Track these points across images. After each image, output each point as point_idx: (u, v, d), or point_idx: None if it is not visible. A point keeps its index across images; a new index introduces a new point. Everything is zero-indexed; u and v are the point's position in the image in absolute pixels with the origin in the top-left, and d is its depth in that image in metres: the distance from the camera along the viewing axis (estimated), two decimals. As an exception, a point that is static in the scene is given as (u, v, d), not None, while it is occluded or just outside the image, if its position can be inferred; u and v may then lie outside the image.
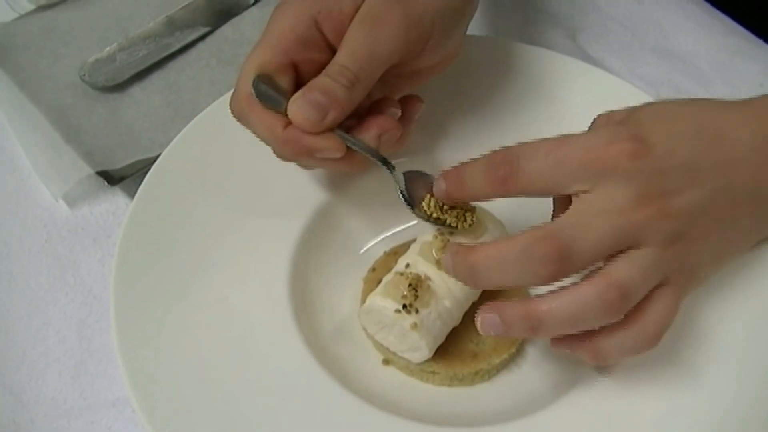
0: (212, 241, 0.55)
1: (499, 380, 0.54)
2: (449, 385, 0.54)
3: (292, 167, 0.55)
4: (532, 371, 0.55)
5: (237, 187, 0.58)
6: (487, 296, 0.54)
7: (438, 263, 0.52)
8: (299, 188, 0.58)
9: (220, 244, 0.55)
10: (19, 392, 0.56)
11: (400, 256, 0.54)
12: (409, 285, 0.51)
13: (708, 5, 0.76)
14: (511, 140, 0.48)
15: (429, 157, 0.60)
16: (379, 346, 0.54)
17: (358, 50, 0.51)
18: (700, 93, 0.71)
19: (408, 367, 0.53)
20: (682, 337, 0.52)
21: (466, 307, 0.53)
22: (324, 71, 0.51)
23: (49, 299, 0.59)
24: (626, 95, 0.61)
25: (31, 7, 0.77)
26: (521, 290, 0.55)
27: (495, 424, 0.51)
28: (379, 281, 0.54)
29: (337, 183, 0.59)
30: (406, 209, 0.52)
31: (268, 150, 0.53)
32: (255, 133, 0.53)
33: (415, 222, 0.57)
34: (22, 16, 0.75)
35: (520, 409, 0.52)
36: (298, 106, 0.50)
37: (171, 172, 0.58)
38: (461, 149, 0.59)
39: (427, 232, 0.54)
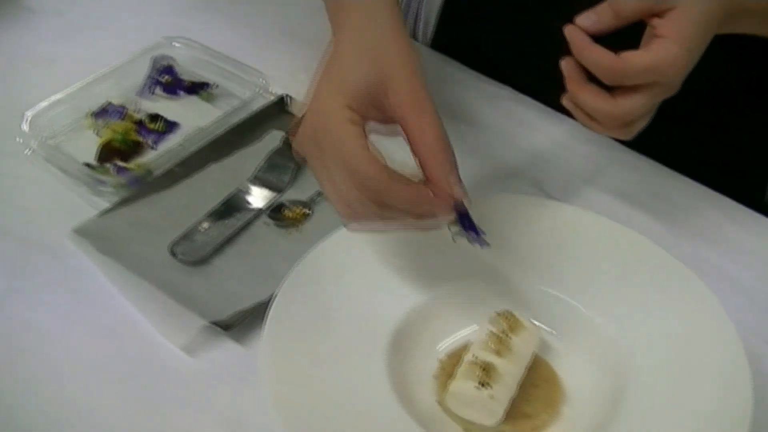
0: (330, 353, 0.75)
1: (549, 432, 0.75)
2: (515, 440, 0.74)
3: (379, 296, 0.77)
4: (568, 424, 0.75)
5: (338, 316, 0.77)
6: (529, 376, 0.75)
7: (497, 353, 0.73)
8: (385, 307, 0.79)
9: (336, 353, 0.75)
10: None
11: (460, 356, 0.76)
12: (482, 369, 0.72)
13: (633, 152, 1.01)
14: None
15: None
16: (460, 420, 0.74)
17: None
18: (637, 216, 0.94)
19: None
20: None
21: (520, 382, 0.74)
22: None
23: (199, 429, 0.76)
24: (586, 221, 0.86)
25: (106, 204, 0.95)
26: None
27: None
28: (448, 375, 0.75)
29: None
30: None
31: (355, 285, 0.74)
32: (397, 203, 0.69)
33: (475, 328, 0.79)
34: (104, 212, 0.93)
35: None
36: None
37: (286, 310, 0.77)
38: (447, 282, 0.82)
39: (483, 333, 0.75)
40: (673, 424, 0.71)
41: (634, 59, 0.72)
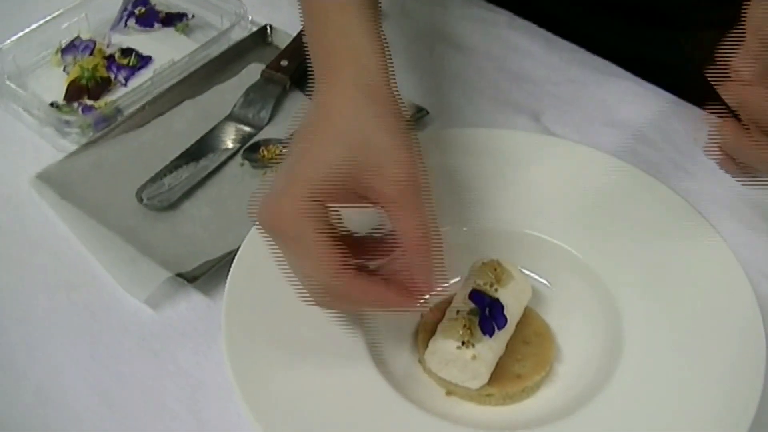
0: (295, 313, 0.67)
1: (540, 395, 0.68)
2: (503, 404, 0.67)
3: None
4: (562, 385, 0.68)
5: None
6: (519, 331, 0.68)
7: (482, 307, 0.66)
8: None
9: (303, 315, 0.67)
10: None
11: (443, 310, 0.68)
12: (464, 326, 0.65)
13: (641, 80, 0.93)
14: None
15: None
16: (442, 381, 0.67)
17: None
18: (646, 151, 0.86)
19: (468, 394, 0.66)
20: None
21: (507, 339, 0.67)
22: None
23: (159, 387, 0.70)
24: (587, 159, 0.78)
25: (73, 147, 0.89)
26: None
27: (544, 426, 0.64)
28: (430, 332, 0.68)
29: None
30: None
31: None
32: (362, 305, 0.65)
33: (457, 280, 0.71)
34: (69, 155, 0.86)
35: (558, 413, 0.65)
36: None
37: (248, 266, 0.71)
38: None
39: (467, 285, 0.68)
40: (678, 376, 0.65)
41: None
